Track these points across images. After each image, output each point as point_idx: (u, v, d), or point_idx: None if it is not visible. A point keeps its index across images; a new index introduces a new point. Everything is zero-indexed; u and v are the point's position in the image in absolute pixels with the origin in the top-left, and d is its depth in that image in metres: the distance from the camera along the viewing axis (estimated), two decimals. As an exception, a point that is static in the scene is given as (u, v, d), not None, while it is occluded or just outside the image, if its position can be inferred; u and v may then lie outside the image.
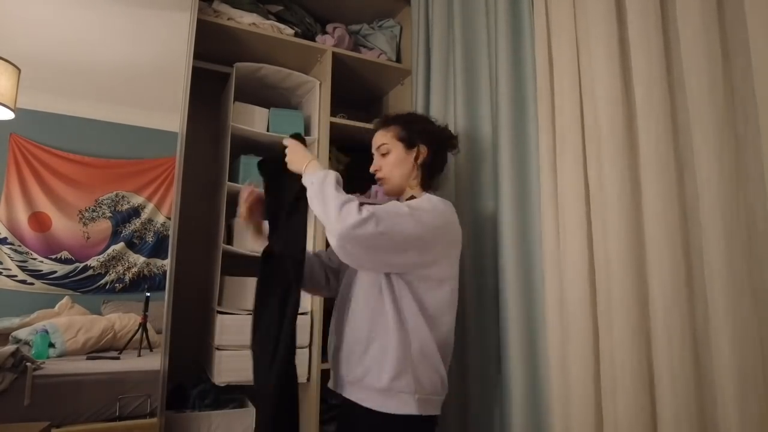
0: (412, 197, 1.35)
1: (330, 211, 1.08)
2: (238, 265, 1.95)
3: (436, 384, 1.20)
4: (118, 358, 1.82)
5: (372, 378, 1.17)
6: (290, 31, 2.08)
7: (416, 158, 1.35)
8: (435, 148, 1.37)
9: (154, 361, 1.69)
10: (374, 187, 2.13)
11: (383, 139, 1.37)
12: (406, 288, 1.19)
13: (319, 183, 1.14)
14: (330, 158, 2.08)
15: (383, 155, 1.37)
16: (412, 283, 1.20)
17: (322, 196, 1.12)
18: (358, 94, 2.51)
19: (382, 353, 1.17)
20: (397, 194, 1.40)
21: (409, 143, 1.35)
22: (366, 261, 1.15)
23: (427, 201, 1.25)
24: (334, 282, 1.45)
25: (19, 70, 1.77)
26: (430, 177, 1.38)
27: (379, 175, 1.38)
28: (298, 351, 1.87)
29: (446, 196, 1.79)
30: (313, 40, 2.15)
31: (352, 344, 1.23)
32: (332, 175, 1.16)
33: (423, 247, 1.16)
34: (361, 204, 1.10)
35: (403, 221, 1.13)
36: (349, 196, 1.12)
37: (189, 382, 1.89)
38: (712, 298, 1.00)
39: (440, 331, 1.22)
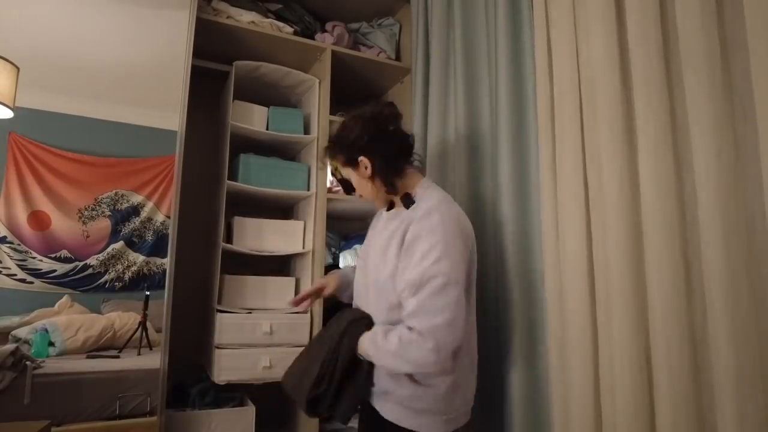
0: (406, 195, 1.27)
1: (402, 366, 1.11)
2: (238, 263, 1.95)
3: (463, 399, 1.22)
4: (117, 357, 1.83)
5: (399, 397, 1.16)
6: (289, 29, 2.08)
7: (365, 172, 1.26)
8: (375, 148, 1.25)
9: (154, 360, 1.69)
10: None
11: (342, 172, 1.34)
12: None
13: (374, 352, 1.15)
14: (329, 157, 2.08)
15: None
16: None
17: (384, 360, 1.14)
18: (358, 93, 2.50)
19: (409, 376, 1.16)
20: (386, 205, 1.35)
21: (352, 163, 1.28)
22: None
23: (439, 233, 1.14)
24: None
25: (18, 68, 1.76)
26: (395, 174, 1.27)
27: (363, 200, 1.36)
28: (297, 350, 1.88)
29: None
30: (313, 38, 2.15)
31: None
32: (366, 339, 1.16)
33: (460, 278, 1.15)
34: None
35: (445, 299, 1.09)
36: (390, 339, 1.11)
37: (189, 380, 1.90)
38: (710, 296, 1.00)
39: (462, 343, 1.16)
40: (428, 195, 1.24)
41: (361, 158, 1.25)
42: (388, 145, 1.27)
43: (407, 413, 1.16)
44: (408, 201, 1.26)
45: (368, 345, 1.16)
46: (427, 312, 1.07)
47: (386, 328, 1.15)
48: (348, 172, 1.31)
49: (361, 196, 1.35)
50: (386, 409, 1.19)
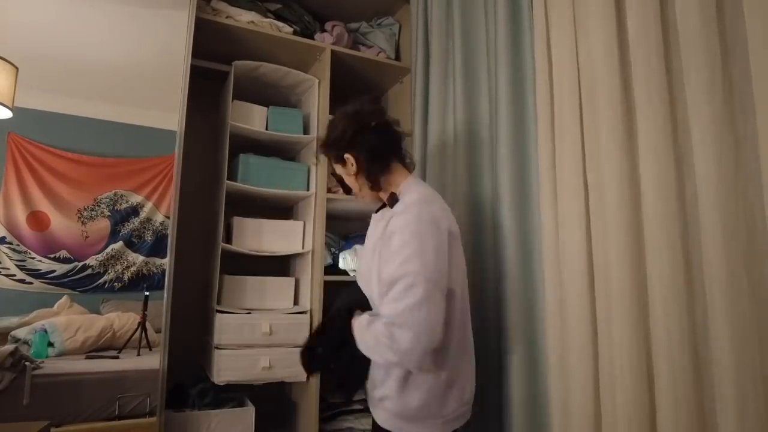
0: (392, 195, 1.26)
1: (384, 353, 1.07)
2: (238, 263, 1.95)
3: (459, 399, 1.17)
4: (117, 358, 1.82)
5: (393, 402, 1.15)
6: (289, 29, 2.08)
7: (352, 168, 1.27)
8: (359, 143, 1.26)
9: (153, 360, 1.69)
10: (373, 186, 2.12)
11: (336, 170, 1.36)
12: None
13: (359, 337, 1.14)
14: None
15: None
16: None
17: (364, 346, 1.13)
18: (357, 93, 2.49)
19: (402, 377, 1.15)
20: (378, 202, 1.33)
21: (341, 161, 1.30)
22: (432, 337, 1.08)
23: (411, 230, 1.12)
24: None
25: (17, 68, 1.76)
26: (379, 171, 1.27)
27: (358, 199, 1.37)
28: (297, 350, 1.88)
29: (445, 196, 1.80)
30: (312, 38, 2.15)
31: (373, 363, 1.22)
32: (358, 321, 1.15)
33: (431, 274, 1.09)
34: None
35: (414, 297, 1.06)
36: (374, 325, 1.09)
37: (188, 381, 1.89)
38: (711, 296, 1.00)
39: (451, 340, 1.17)
40: (411, 191, 1.23)
41: (347, 155, 1.27)
42: (372, 140, 1.27)
43: (400, 422, 1.15)
44: (393, 200, 1.24)
45: (356, 329, 1.16)
46: (401, 309, 1.05)
47: (372, 318, 1.13)
48: (339, 170, 1.33)
49: (356, 195, 1.36)
50: (380, 416, 1.19)
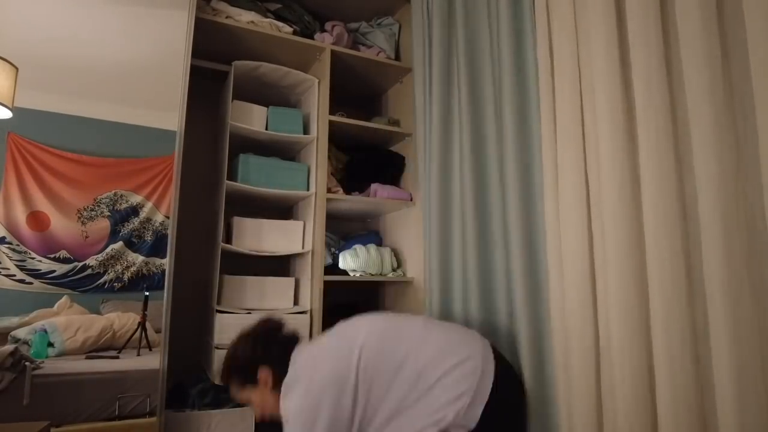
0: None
1: None
2: (237, 263, 1.95)
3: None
4: (117, 358, 1.82)
5: None
6: (289, 29, 2.08)
7: (266, 385, 1.31)
8: (271, 360, 1.32)
9: (153, 360, 1.69)
10: (373, 186, 2.13)
11: (238, 397, 1.38)
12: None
13: None
14: (329, 157, 2.07)
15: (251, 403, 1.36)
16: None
17: None
18: (357, 92, 2.50)
19: None
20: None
21: (251, 381, 1.32)
22: None
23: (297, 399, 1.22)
24: None
25: (17, 68, 1.76)
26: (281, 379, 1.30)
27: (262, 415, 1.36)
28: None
29: (447, 197, 1.80)
30: (312, 38, 2.15)
31: None
32: None
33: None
34: None
35: None
36: None
37: (188, 381, 1.89)
38: (711, 296, 1.00)
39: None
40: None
41: (260, 371, 1.31)
42: (281, 348, 1.33)
43: None
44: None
45: None
46: None
47: None
48: (246, 396, 1.35)
49: (263, 411, 1.35)
50: None
